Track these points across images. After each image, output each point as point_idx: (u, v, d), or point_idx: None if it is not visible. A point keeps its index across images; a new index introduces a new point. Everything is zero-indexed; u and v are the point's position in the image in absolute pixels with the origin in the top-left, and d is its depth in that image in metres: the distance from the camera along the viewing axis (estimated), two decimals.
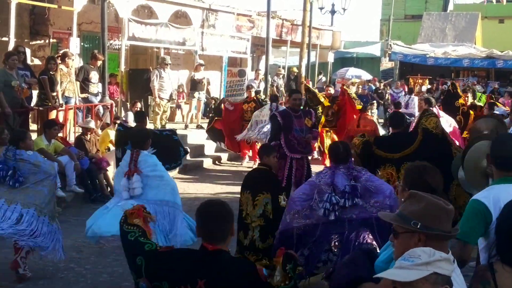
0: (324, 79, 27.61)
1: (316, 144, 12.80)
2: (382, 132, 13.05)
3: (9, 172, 6.28)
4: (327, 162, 10.59)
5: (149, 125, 14.53)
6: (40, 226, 6.24)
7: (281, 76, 20.35)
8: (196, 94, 16.22)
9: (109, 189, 10.69)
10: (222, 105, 14.18)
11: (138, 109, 13.10)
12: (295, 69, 21.54)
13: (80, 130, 11.55)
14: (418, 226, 2.69)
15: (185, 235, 6.11)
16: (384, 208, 4.88)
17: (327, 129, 13.31)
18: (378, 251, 3.75)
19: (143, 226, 3.35)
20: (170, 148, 8.54)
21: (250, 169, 7.90)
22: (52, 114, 11.38)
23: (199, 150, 14.53)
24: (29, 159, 6.46)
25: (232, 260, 3.15)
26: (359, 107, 12.61)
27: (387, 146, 7.25)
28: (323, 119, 12.81)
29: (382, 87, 26.21)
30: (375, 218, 4.79)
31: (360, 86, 22.53)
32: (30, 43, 15.16)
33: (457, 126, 11.76)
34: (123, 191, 6.24)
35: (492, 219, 3.47)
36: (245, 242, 6.13)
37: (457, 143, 9.24)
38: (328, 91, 14.13)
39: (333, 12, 26.43)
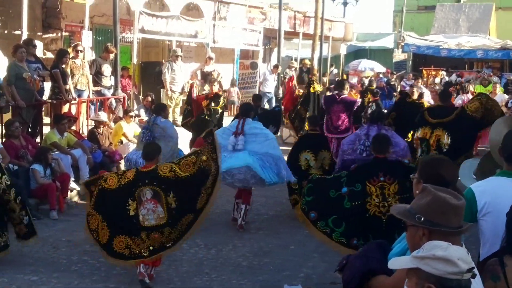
0: (335, 71, 27.52)
1: None
2: None
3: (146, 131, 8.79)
4: None
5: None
6: None
7: (293, 68, 20.30)
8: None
9: None
10: (192, 90, 12.44)
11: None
12: (307, 61, 21.47)
13: (93, 123, 11.59)
14: (422, 220, 2.66)
15: (290, 175, 8.32)
16: (398, 155, 7.13)
17: None
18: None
19: None
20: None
21: None
22: (65, 108, 11.42)
23: None
24: (160, 124, 8.86)
25: (391, 160, 6.28)
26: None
27: (433, 112, 9.33)
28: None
29: (394, 78, 26.08)
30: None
31: (376, 79, 22.44)
32: (43, 36, 15.20)
33: None
34: (229, 145, 8.06)
35: (477, 209, 3.60)
36: None
37: None
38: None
39: (345, 3, 26.35)
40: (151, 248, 6.15)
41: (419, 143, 9.14)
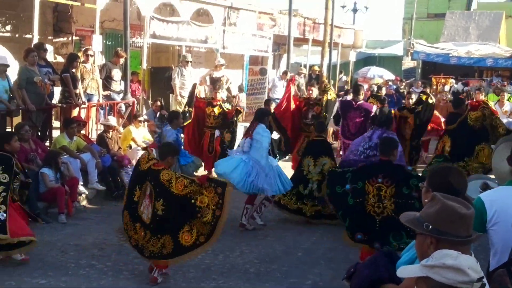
0: (345, 78, 27.49)
1: None
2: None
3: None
4: None
5: None
6: None
7: (302, 75, 20.29)
8: None
9: None
10: (195, 91, 12.42)
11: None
12: (316, 68, 21.47)
13: (102, 127, 11.63)
14: (429, 229, 2.65)
15: (271, 186, 8.33)
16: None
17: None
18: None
19: None
20: None
21: None
22: (75, 112, 11.47)
23: None
24: (164, 132, 9.70)
25: (394, 164, 6.53)
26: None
27: (448, 120, 10.13)
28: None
29: (403, 86, 26.01)
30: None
31: (385, 86, 22.37)
32: (53, 40, 15.30)
33: None
34: (241, 147, 8.71)
35: (487, 218, 3.59)
36: (305, 192, 8.97)
37: None
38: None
39: (355, 10, 26.31)
40: (135, 243, 6.41)
41: (434, 157, 9.27)
